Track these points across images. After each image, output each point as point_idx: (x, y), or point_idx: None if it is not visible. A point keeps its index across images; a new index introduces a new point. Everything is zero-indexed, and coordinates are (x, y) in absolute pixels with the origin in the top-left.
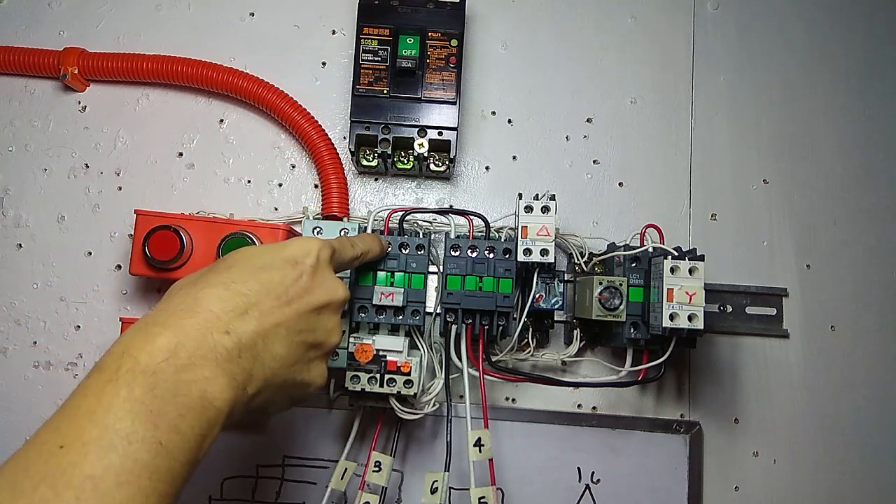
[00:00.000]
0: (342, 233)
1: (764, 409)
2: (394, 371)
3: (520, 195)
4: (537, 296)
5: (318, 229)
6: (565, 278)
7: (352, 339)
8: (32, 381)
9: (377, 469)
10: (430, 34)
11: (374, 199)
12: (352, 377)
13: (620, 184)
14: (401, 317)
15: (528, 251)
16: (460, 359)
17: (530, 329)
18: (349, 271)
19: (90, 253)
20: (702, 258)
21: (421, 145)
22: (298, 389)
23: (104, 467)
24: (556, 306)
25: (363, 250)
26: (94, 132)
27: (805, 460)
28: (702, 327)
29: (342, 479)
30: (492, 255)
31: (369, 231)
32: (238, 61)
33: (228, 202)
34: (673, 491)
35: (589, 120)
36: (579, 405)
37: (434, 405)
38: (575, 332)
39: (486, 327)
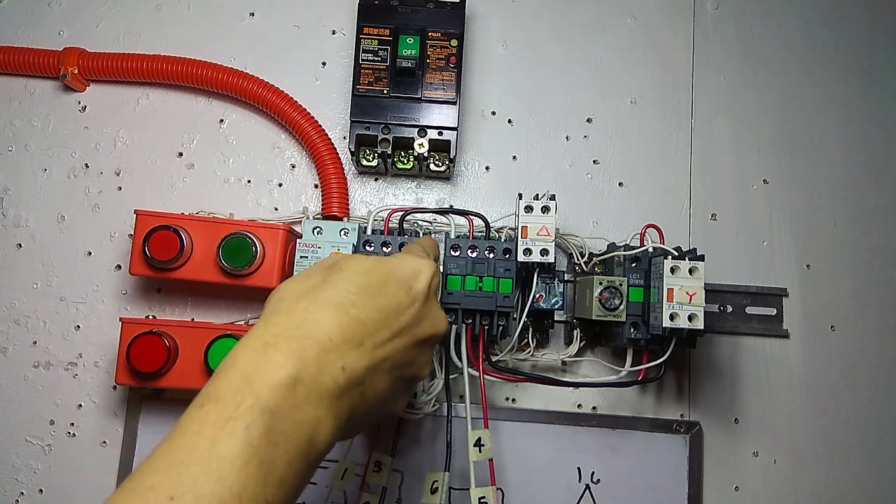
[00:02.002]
0: (341, 233)
1: (764, 409)
2: None
3: (520, 195)
4: (537, 296)
5: (317, 229)
6: (565, 278)
7: None
8: (32, 381)
9: (377, 469)
10: (430, 34)
11: (374, 199)
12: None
13: (620, 184)
14: None
15: (528, 251)
16: (460, 359)
17: (530, 329)
18: None
19: (90, 253)
20: (702, 258)
21: (421, 145)
22: (381, 420)
23: None
24: (556, 306)
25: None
26: (94, 132)
27: (805, 460)
28: (702, 327)
29: (342, 479)
30: (492, 255)
31: (369, 231)
32: (238, 61)
33: (228, 202)
34: (673, 491)
35: (589, 120)
36: (579, 405)
37: (434, 405)
38: (575, 332)
39: (486, 327)
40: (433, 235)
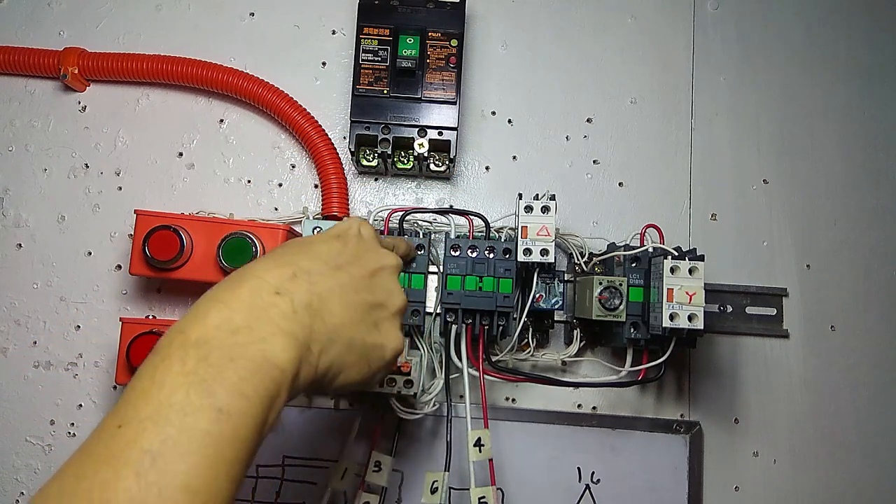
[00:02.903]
0: None
1: (764, 409)
2: (394, 371)
3: (520, 195)
4: (537, 296)
5: (318, 229)
6: (565, 278)
7: None
8: (32, 381)
9: (377, 469)
10: (430, 34)
11: (374, 199)
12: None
13: (620, 184)
14: None
15: (528, 251)
16: (460, 359)
17: (530, 329)
18: None
19: (90, 253)
20: (702, 258)
21: (421, 145)
22: (374, 353)
23: (161, 441)
24: (556, 306)
25: (392, 244)
26: (94, 132)
27: (805, 460)
28: (702, 327)
29: (342, 479)
30: (492, 255)
31: None
32: (238, 61)
33: (228, 202)
34: (673, 491)
35: (589, 120)
36: (579, 405)
37: (434, 405)
38: (575, 332)
39: (486, 327)
40: (433, 236)
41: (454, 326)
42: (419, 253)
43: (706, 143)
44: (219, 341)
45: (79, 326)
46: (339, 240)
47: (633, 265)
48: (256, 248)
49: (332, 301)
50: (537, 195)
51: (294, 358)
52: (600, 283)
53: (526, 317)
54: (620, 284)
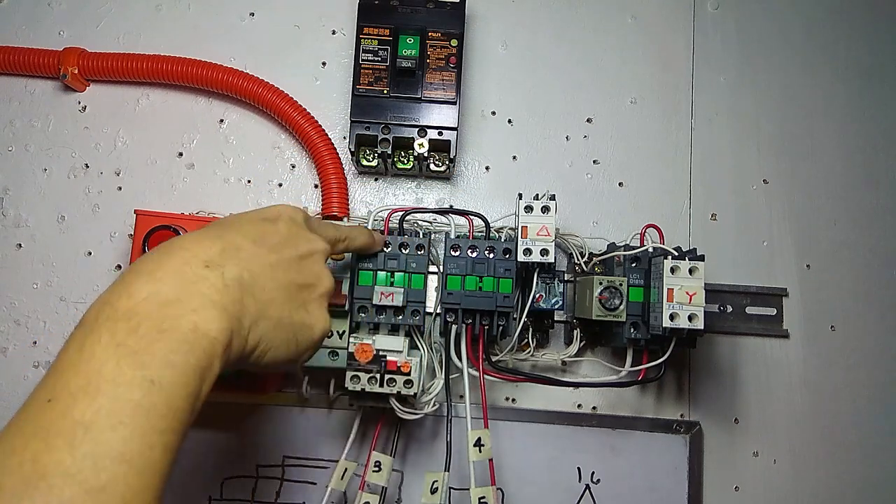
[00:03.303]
0: None
1: (764, 409)
2: (394, 371)
3: (520, 195)
4: (537, 296)
5: None
6: (565, 278)
7: (352, 339)
8: (32, 382)
9: (377, 469)
10: (430, 34)
11: (374, 199)
12: (352, 377)
13: (620, 184)
14: (401, 317)
15: (528, 251)
16: (460, 359)
17: (530, 329)
18: (348, 272)
19: (90, 253)
20: (702, 258)
21: (421, 145)
22: (302, 332)
23: (94, 411)
24: (556, 306)
25: (346, 234)
26: (94, 132)
27: (805, 460)
28: (702, 327)
29: (342, 479)
30: (492, 255)
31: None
32: (238, 61)
33: (228, 202)
34: (673, 491)
35: (589, 120)
36: (579, 405)
37: (434, 405)
38: (575, 332)
39: (486, 327)
40: (433, 236)
41: (454, 326)
42: (419, 253)
43: (706, 143)
44: (148, 313)
45: None
46: (269, 223)
47: (633, 265)
48: None
49: (262, 278)
50: (537, 195)
51: (225, 329)
52: (600, 283)
53: (526, 317)
54: (620, 284)
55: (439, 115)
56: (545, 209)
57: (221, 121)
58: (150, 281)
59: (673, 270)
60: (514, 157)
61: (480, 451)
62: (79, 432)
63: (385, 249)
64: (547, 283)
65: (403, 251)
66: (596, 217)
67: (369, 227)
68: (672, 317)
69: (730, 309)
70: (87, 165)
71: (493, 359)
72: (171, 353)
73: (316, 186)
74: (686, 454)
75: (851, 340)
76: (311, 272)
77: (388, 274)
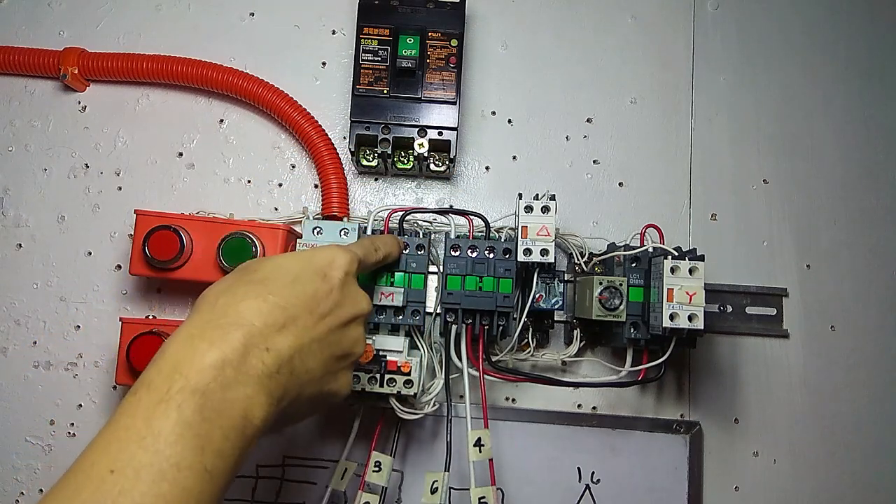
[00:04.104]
0: (341, 233)
1: (764, 409)
2: (394, 371)
3: (520, 195)
4: (537, 296)
5: (317, 229)
6: (565, 278)
7: None
8: (32, 381)
9: (377, 469)
10: (430, 34)
11: (374, 199)
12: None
13: (620, 184)
14: (401, 317)
15: (528, 251)
16: (460, 359)
17: (530, 329)
18: None
19: (90, 253)
20: (702, 258)
21: (421, 145)
22: (326, 399)
23: (154, 496)
24: (556, 306)
25: (385, 254)
26: (94, 132)
27: (805, 460)
28: (702, 327)
29: (342, 479)
30: (492, 255)
31: (369, 231)
32: (238, 61)
33: (228, 202)
34: (673, 491)
35: (589, 120)
36: (579, 405)
37: (434, 405)
38: (575, 332)
39: (486, 327)
40: (433, 236)
41: (454, 326)
42: (419, 253)
43: (706, 143)
44: (214, 395)
45: (79, 326)
46: (325, 282)
47: (633, 265)
48: (256, 248)
49: (308, 357)
50: (537, 195)
51: (268, 416)
52: (600, 283)
53: (526, 317)
54: (620, 284)
55: (439, 115)
56: (545, 209)
57: (221, 121)
58: (217, 354)
59: (673, 270)
60: (514, 157)
61: (480, 451)
62: None
63: (404, 251)
64: (547, 283)
65: (403, 251)
66: (596, 217)
67: (370, 229)
68: (672, 317)
69: (730, 309)
70: (87, 165)
71: (493, 359)
72: (224, 440)
73: (316, 186)
74: (686, 454)
75: (851, 340)
76: (350, 340)
77: (388, 274)
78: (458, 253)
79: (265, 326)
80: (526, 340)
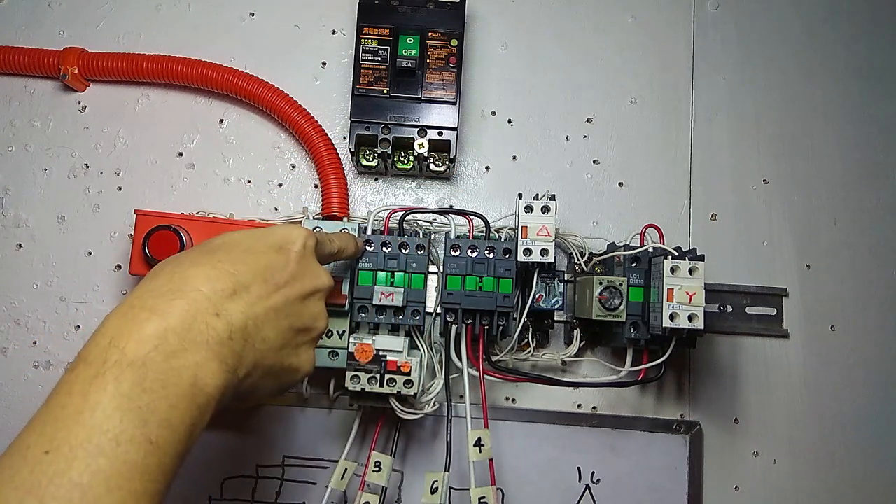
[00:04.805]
0: (341, 233)
1: (764, 409)
2: (394, 371)
3: (520, 195)
4: (537, 296)
5: (318, 229)
6: (565, 278)
7: (352, 339)
8: (32, 381)
9: (377, 469)
10: (430, 34)
11: (374, 199)
12: (352, 377)
13: (620, 184)
14: (401, 317)
15: (528, 251)
16: (460, 359)
17: (530, 329)
18: (348, 272)
19: (90, 253)
20: (702, 258)
21: (421, 145)
22: (287, 375)
23: (93, 473)
24: (556, 306)
25: (339, 247)
26: (94, 132)
27: (805, 460)
28: (702, 327)
29: (342, 479)
30: (492, 255)
31: (369, 231)
32: (238, 61)
33: (228, 202)
34: (673, 491)
35: (589, 120)
36: (579, 405)
37: (434, 405)
38: (575, 332)
39: (486, 327)
40: (433, 236)
41: (454, 326)
42: (419, 253)
43: (706, 143)
44: (155, 364)
45: (79, 326)
46: (281, 254)
47: (633, 265)
48: None
49: (264, 326)
50: (537, 195)
51: (222, 384)
52: (600, 283)
53: (526, 317)
54: (620, 284)
55: (439, 115)
56: (545, 209)
57: (221, 121)
58: (159, 322)
59: (673, 270)
60: (514, 157)
61: (480, 451)
62: (76, 495)
63: (385, 249)
64: (547, 283)
65: (403, 251)
66: (596, 217)
67: (370, 229)
68: (672, 317)
69: (730, 309)
70: (87, 165)
71: (493, 359)
72: (170, 409)
73: (316, 186)
74: (686, 454)
75: (851, 340)
76: (310, 314)
77: (388, 274)
78: (458, 253)
79: (213, 292)
80: (526, 340)
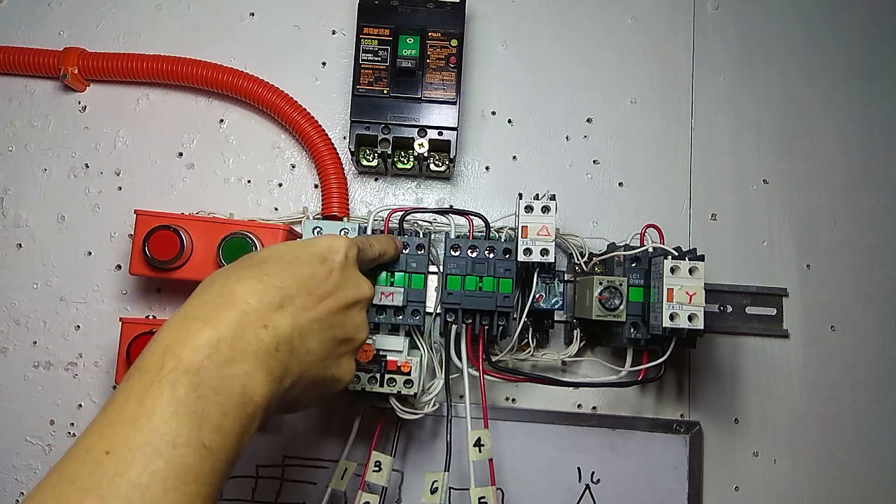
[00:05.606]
0: (341, 233)
1: (764, 409)
2: (394, 371)
3: (520, 195)
4: (537, 296)
5: (318, 229)
6: (565, 278)
7: None
8: (32, 381)
9: (377, 469)
10: (430, 34)
11: (374, 199)
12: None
13: (620, 184)
14: (401, 317)
15: (528, 251)
16: (460, 359)
17: (530, 329)
18: None
19: (90, 253)
20: (702, 258)
21: (421, 145)
22: (329, 385)
23: (150, 474)
24: (556, 306)
25: (381, 251)
26: (94, 132)
27: (805, 460)
28: (702, 327)
29: (342, 479)
30: (492, 255)
31: (369, 231)
32: (238, 61)
33: (228, 202)
34: (673, 491)
35: (589, 120)
36: (579, 405)
37: (434, 405)
38: (575, 332)
39: (486, 327)
40: (433, 236)
41: (454, 326)
42: (419, 253)
43: (706, 143)
44: (208, 372)
45: (79, 326)
46: (325, 265)
47: (633, 265)
48: (256, 248)
49: (309, 337)
50: (537, 195)
51: (269, 394)
52: (600, 283)
53: (526, 317)
54: (620, 284)
55: (439, 115)
56: (545, 209)
57: (221, 121)
58: (211, 332)
59: (673, 270)
60: (514, 157)
61: (480, 451)
62: (135, 495)
63: (404, 251)
64: (547, 283)
65: (403, 251)
66: (596, 217)
67: (369, 229)
68: (672, 317)
69: (730, 309)
70: (87, 165)
71: (493, 359)
72: (223, 416)
73: (316, 186)
74: (686, 454)
75: (851, 340)
76: (352, 325)
77: (388, 274)
78: (458, 253)
79: (261, 305)
80: (526, 340)
